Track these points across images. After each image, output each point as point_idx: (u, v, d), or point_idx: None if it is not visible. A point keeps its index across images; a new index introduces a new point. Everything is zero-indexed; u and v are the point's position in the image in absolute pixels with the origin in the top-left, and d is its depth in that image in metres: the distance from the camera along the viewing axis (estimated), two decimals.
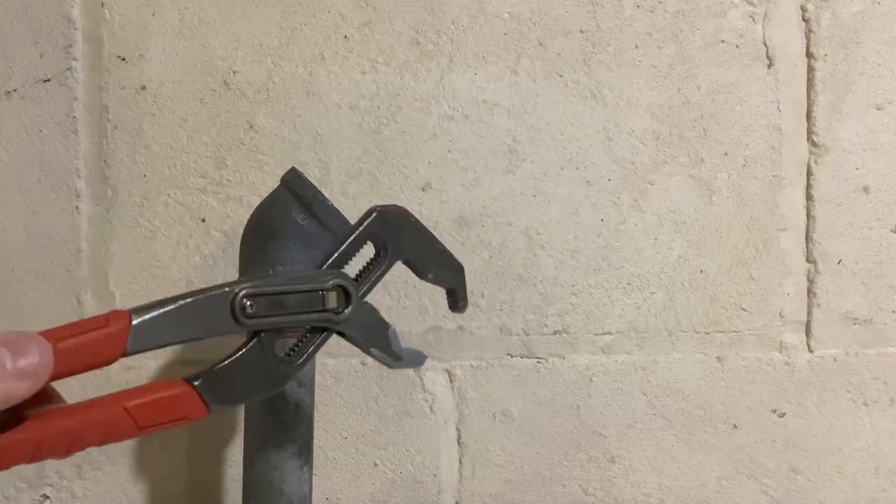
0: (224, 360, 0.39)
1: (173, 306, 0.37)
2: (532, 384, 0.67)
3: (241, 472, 0.53)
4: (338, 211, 0.51)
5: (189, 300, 0.38)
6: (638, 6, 0.67)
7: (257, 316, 0.39)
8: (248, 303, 0.38)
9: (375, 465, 0.67)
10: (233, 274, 0.53)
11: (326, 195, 0.51)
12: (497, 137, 0.66)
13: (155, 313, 0.37)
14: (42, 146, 0.65)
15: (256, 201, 0.53)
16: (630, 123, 0.67)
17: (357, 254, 0.42)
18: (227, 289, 0.38)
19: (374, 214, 0.43)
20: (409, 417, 0.67)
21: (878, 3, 0.68)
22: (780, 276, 0.68)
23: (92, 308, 0.65)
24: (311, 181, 0.51)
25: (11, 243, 0.65)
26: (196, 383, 0.38)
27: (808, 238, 0.68)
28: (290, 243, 0.51)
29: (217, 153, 0.65)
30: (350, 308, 0.41)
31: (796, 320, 0.68)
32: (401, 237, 0.43)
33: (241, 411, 0.57)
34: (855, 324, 0.68)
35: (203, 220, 0.66)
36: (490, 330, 0.67)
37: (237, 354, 0.39)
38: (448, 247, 0.65)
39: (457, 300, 0.46)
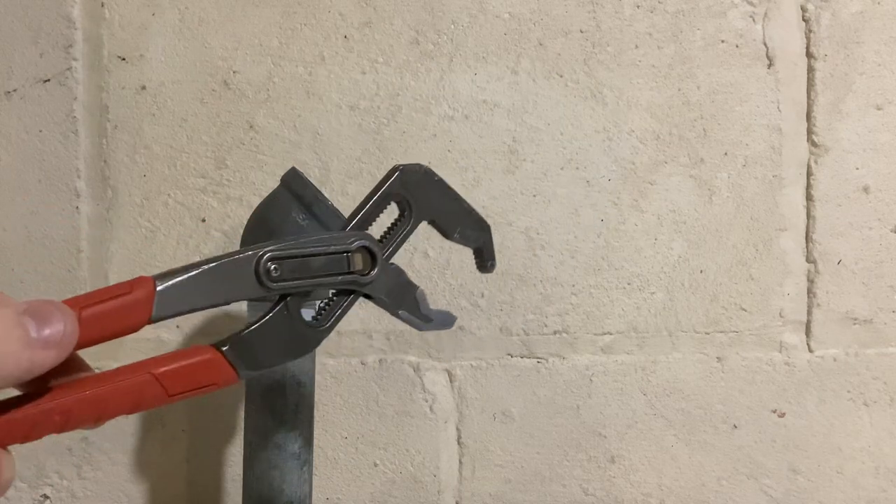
0: (251, 325, 0.38)
1: (197, 271, 0.36)
2: (532, 384, 0.67)
3: (241, 472, 0.53)
4: (338, 211, 0.51)
5: (213, 264, 0.37)
6: (638, 6, 0.67)
7: (282, 279, 0.38)
8: (273, 266, 0.38)
9: (375, 465, 0.67)
10: None
11: (326, 195, 0.51)
12: (497, 137, 0.66)
13: (179, 279, 0.36)
14: (42, 146, 0.65)
15: (256, 201, 0.53)
16: (630, 123, 0.67)
17: (381, 214, 0.41)
18: (251, 252, 0.38)
19: (396, 173, 0.42)
20: (409, 417, 0.67)
21: (878, 3, 0.68)
22: (780, 276, 0.68)
23: None
24: (311, 181, 0.51)
25: (11, 243, 0.65)
26: (224, 349, 0.37)
27: (808, 238, 0.68)
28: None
29: (217, 153, 0.65)
30: (376, 270, 0.40)
31: (796, 320, 0.68)
32: (425, 196, 0.42)
33: (241, 411, 0.57)
34: (855, 324, 0.68)
35: (203, 220, 0.66)
36: (490, 330, 0.67)
37: (264, 319, 0.38)
38: (448, 247, 0.66)
39: (484, 260, 0.45)
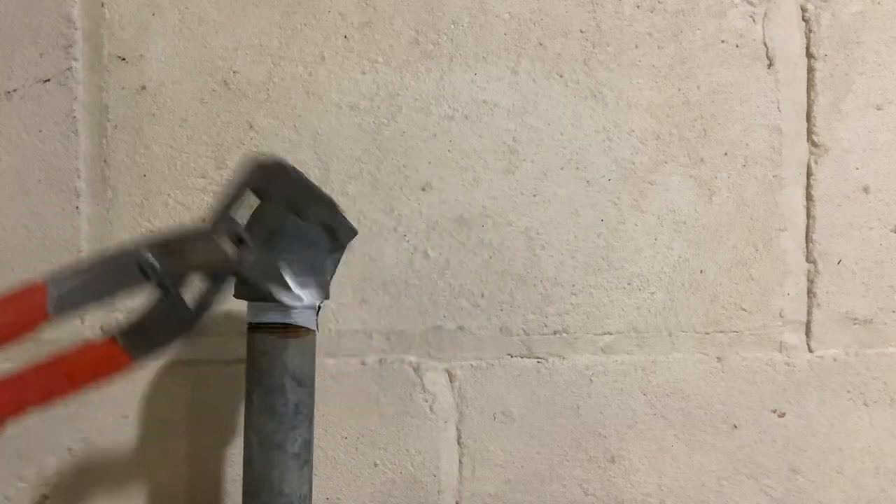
0: (138, 312, 0.43)
1: (86, 268, 0.41)
2: (532, 384, 0.67)
3: (241, 472, 0.53)
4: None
5: (100, 261, 0.41)
6: (638, 6, 0.67)
7: (163, 269, 0.42)
8: (154, 258, 0.42)
9: (375, 465, 0.67)
10: None
11: None
12: (497, 137, 0.66)
13: (70, 278, 0.40)
14: (42, 146, 0.65)
15: (257, 201, 0.53)
16: (630, 123, 0.67)
17: (242, 203, 0.46)
18: (133, 247, 0.42)
19: (251, 167, 0.46)
20: (409, 417, 0.67)
21: (878, 3, 0.68)
22: (780, 276, 0.68)
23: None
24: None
25: (11, 243, 0.65)
26: (118, 338, 0.42)
27: (808, 238, 0.68)
28: (290, 243, 0.51)
29: (217, 153, 0.65)
30: (245, 252, 0.45)
31: (796, 320, 0.68)
32: (279, 184, 0.47)
33: (241, 411, 0.57)
34: (855, 324, 0.68)
35: (203, 220, 0.65)
36: (490, 330, 0.67)
37: (150, 305, 0.43)
38: (448, 247, 0.66)
39: (336, 236, 0.48)
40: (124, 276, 0.42)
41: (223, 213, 0.45)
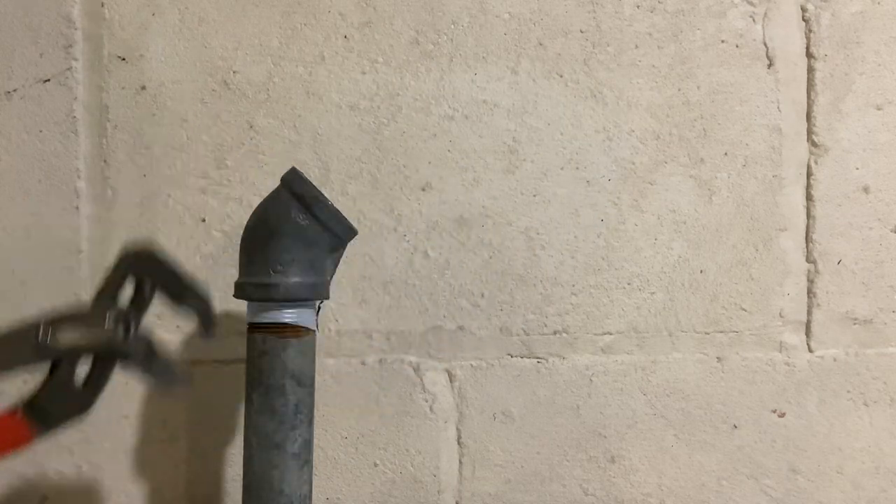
0: (38, 389, 0.44)
1: None
2: (532, 384, 0.67)
3: (241, 472, 0.53)
4: (338, 211, 0.52)
5: None
6: (638, 6, 0.67)
7: (55, 347, 0.43)
8: (47, 336, 0.43)
9: (375, 465, 0.67)
10: (233, 274, 0.53)
11: (326, 195, 0.51)
12: (497, 137, 0.66)
13: None
14: (42, 146, 0.65)
15: (256, 201, 0.53)
16: (630, 123, 0.67)
17: (122, 289, 0.47)
18: (29, 323, 0.43)
19: (126, 255, 0.47)
20: (409, 417, 0.67)
21: (878, 3, 0.68)
22: (780, 276, 0.68)
23: None
24: (311, 181, 0.51)
25: (11, 243, 0.65)
26: (23, 409, 0.43)
27: (808, 238, 0.68)
28: (290, 243, 0.51)
29: (217, 153, 0.65)
30: (130, 335, 0.46)
31: (796, 320, 0.68)
32: (154, 272, 0.48)
33: (241, 411, 0.57)
34: (855, 324, 0.68)
35: (203, 220, 0.66)
36: (490, 330, 0.67)
37: (43, 382, 0.44)
38: (448, 247, 0.66)
39: (203, 327, 0.49)
40: (19, 351, 0.43)
41: (108, 297, 0.46)
